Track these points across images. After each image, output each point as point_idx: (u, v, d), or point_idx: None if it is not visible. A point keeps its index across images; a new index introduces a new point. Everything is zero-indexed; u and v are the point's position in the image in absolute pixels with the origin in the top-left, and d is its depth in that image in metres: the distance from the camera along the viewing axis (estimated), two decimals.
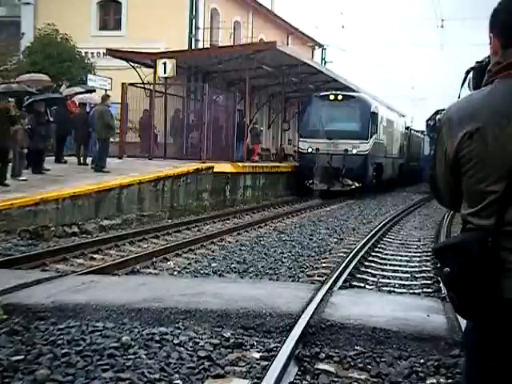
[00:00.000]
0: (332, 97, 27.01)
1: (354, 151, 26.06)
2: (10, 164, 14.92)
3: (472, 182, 2.12)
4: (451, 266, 2.08)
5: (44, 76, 22.16)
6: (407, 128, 41.09)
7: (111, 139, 19.84)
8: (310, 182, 26.34)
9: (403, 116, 40.57)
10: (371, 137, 26.91)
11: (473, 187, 2.12)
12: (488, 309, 2.04)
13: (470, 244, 2.07)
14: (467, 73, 2.32)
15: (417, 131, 47.50)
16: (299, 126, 29.65)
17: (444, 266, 2.11)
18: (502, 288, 2.02)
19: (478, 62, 2.29)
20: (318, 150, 26.30)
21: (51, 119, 17.42)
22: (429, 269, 10.46)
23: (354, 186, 26.20)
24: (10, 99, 15.76)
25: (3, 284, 6.96)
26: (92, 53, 31.00)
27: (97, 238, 12.25)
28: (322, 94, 27.81)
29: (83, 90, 22.33)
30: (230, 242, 12.93)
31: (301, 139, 27.82)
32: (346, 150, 26.02)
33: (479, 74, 2.24)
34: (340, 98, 26.93)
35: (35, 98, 16.90)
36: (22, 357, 5.01)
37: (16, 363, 4.88)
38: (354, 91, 30.20)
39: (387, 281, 9.60)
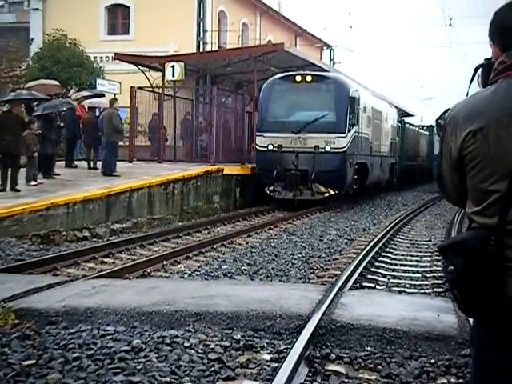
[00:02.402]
0: (298, 78, 20.92)
1: (328, 148, 20.24)
2: (23, 169, 15.02)
3: (475, 181, 2.15)
4: (455, 263, 2.11)
5: (53, 81, 22.29)
6: (400, 121, 34.55)
7: (121, 143, 19.92)
8: (271, 188, 20.56)
9: (396, 107, 33.50)
10: (350, 129, 20.89)
11: (476, 186, 2.15)
12: (491, 307, 2.06)
13: (473, 242, 2.09)
14: (476, 70, 2.35)
15: (414, 125, 41.93)
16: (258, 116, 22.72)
17: (448, 263, 2.14)
18: (504, 286, 2.04)
19: (486, 59, 2.32)
20: (280, 147, 20.49)
21: (61, 124, 17.51)
22: (439, 268, 10.43)
23: (327, 194, 20.50)
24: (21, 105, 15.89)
25: (15, 289, 7.00)
26: (101, 57, 31.14)
27: (107, 242, 12.30)
28: (285, 74, 21.99)
29: (91, 94, 22.48)
30: (240, 244, 12.93)
31: (258, 133, 21.46)
32: (317, 147, 20.24)
33: (488, 71, 2.27)
34: (309, 79, 20.79)
35: (45, 106, 16.99)
36: (34, 361, 5.04)
37: (28, 367, 4.91)
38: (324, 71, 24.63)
39: (397, 281, 9.58)
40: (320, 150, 20.23)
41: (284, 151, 20.46)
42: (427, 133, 45.00)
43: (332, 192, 20.50)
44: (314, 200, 20.35)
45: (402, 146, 34.04)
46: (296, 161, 20.29)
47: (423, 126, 45.97)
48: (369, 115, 24.23)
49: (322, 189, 20.37)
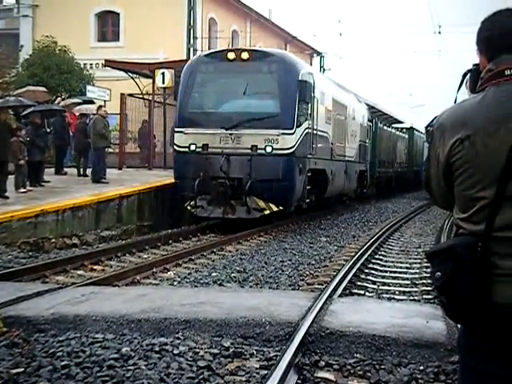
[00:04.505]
0: (231, 55, 16.07)
1: (269, 149, 15.37)
2: (12, 176, 14.97)
3: (462, 188, 2.17)
4: (442, 270, 2.13)
5: (41, 88, 22.28)
6: (371, 120, 28.57)
7: (110, 150, 19.89)
8: (192, 203, 15.66)
9: (366, 105, 27.99)
10: (300, 124, 15.96)
11: (463, 192, 2.17)
12: (478, 313, 2.08)
13: (460, 249, 2.11)
14: (464, 76, 2.37)
15: (389, 126, 35.74)
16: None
17: (435, 270, 2.15)
18: (491, 292, 2.06)
19: (475, 65, 2.34)
20: (205, 147, 15.65)
21: (48, 130, 17.48)
22: (429, 275, 10.45)
23: (268, 212, 15.49)
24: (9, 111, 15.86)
25: (3, 296, 6.97)
26: (91, 64, 31.12)
27: (97, 249, 12.25)
28: (213, 50, 17.56)
29: (80, 101, 22.49)
30: (230, 251, 12.91)
31: (177, 129, 16.34)
32: (255, 148, 15.42)
33: (476, 76, 2.30)
34: (245, 56, 15.92)
35: (34, 109, 16.99)
36: (22, 369, 5.02)
37: (16, 376, 4.89)
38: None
39: (387, 288, 9.60)
40: (259, 152, 15.42)
41: (210, 153, 15.62)
42: (406, 136, 40.12)
43: (275, 208, 15.65)
44: (250, 219, 15.44)
45: (374, 149, 29.12)
46: (226, 166, 15.42)
47: (402, 129, 40.54)
48: (328, 108, 19.22)
49: (261, 204, 15.38)
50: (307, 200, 17.38)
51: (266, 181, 15.16)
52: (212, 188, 15.34)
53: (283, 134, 15.49)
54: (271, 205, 15.49)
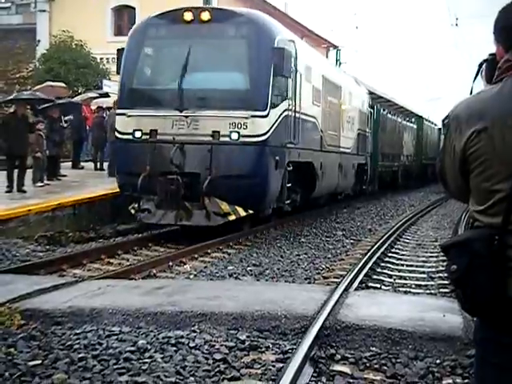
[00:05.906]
0: (188, 15, 12.78)
1: (235, 136, 12.15)
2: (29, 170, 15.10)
3: (479, 180, 2.15)
4: (458, 263, 2.10)
5: (61, 83, 22.41)
6: (372, 107, 24.87)
7: None
8: (136, 206, 12.56)
9: (369, 91, 24.75)
10: (276, 104, 12.75)
11: (480, 185, 2.15)
12: (493, 306, 2.06)
13: (476, 242, 2.09)
14: (480, 65, 2.34)
15: (392, 114, 31.03)
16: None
17: (451, 263, 2.13)
18: (507, 286, 2.03)
19: (491, 55, 2.32)
20: (154, 133, 12.47)
21: (64, 125, 17.57)
22: (445, 268, 10.37)
23: (233, 217, 12.39)
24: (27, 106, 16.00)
25: (21, 290, 7.02)
26: (107, 58, 31.16)
27: (113, 243, 12.32)
28: (166, 11, 13.34)
29: (97, 95, 22.62)
30: (246, 245, 12.91)
31: (119, 111, 13.24)
32: (217, 134, 12.21)
33: (492, 65, 2.27)
34: (206, 16, 12.67)
35: (53, 103, 17.13)
36: (40, 362, 5.06)
37: (33, 368, 4.92)
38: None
39: (403, 281, 9.57)
40: (222, 140, 12.19)
41: (160, 141, 12.38)
42: (415, 126, 36.33)
43: (243, 212, 12.51)
44: (209, 227, 12.29)
45: (375, 140, 25.54)
46: (179, 158, 12.19)
47: (409, 118, 36.34)
48: (317, 87, 15.86)
49: (225, 207, 12.25)
50: (288, 201, 14.23)
51: (230, 177, 12.02)
52: (161, 186, 12.16)
53: (253, 116, 12.22)
54: (238, 208, 12.40)
